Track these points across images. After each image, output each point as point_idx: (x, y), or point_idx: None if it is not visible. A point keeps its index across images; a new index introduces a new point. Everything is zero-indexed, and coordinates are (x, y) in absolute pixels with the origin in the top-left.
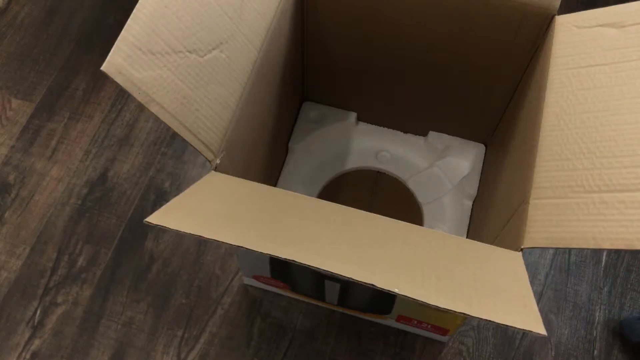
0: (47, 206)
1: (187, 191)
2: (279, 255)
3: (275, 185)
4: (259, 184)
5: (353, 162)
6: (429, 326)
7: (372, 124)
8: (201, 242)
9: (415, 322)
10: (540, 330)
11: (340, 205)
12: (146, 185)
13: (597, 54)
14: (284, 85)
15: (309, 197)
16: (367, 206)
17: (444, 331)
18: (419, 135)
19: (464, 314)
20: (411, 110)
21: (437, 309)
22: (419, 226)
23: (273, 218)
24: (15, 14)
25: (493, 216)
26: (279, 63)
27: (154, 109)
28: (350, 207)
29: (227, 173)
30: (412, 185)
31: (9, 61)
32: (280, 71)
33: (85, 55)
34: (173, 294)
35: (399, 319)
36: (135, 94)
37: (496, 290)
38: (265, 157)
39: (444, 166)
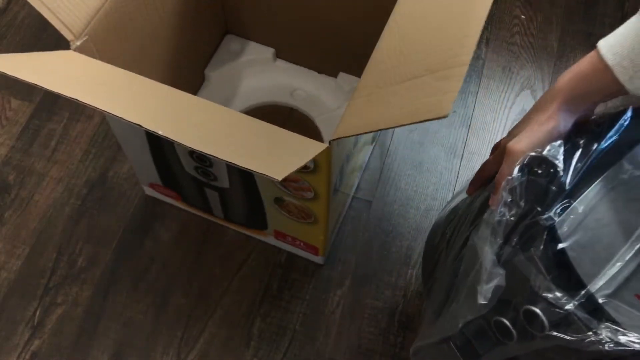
0: (47, 206)
1: (34, 53)
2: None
3: None
4: (115, 67)
5: (268, 97)
6: (302, 243)
7: (290, 62)
8: (201, 242)
9: (290, 238)
10: (276, 175)
11: (199, 98)
12: None
13: None
14: (189, 8)
15: (168, 86)
16: None
17: (314, 249)
18: (331, 76)
19: (212, 155)
20: (324, 51)
21: (196, 151)
22: (263, 122)
23: (111, 88)
24: (15, 14)
25: None
26: None
27: None
28: (207, 101)
29: None
30: (320, 124)
31: None
32: None
33: None
34: (173, 294)
35: (277, 235)
36: None
37: (270, 154)
38: (171, 77)
39: None
